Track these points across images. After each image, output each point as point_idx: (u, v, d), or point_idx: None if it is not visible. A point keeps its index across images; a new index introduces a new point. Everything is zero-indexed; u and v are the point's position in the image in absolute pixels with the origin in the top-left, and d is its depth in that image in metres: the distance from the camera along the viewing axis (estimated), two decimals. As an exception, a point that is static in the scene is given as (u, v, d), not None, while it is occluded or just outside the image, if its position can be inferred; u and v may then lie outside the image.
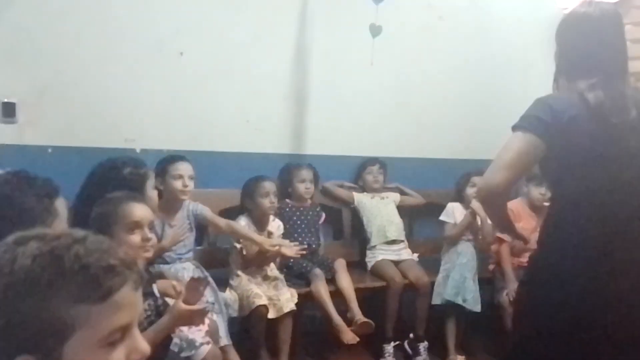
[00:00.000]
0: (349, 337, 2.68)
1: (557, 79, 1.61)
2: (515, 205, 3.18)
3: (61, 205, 1.42)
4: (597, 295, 1.45)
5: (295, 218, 3.00)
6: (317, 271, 2.84)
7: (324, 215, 3.13)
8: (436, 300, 3.04)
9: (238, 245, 2.74)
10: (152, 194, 2.19)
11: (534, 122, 1.44)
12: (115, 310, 0.73)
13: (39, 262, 0.70)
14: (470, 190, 3.13)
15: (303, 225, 3.02)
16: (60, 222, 1.41)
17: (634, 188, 1.46)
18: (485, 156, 3.55)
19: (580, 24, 1.54)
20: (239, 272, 2.74)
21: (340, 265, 2.95)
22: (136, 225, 1.73)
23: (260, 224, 2.81)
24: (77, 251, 0.72)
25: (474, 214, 3.02)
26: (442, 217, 3.18)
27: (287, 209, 3.00)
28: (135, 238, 1.72)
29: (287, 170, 3.03)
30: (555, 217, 1.53)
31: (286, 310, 2.67)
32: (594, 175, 1.44)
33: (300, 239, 2.97)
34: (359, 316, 2.75)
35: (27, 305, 0.69)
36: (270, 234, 2.81)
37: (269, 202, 2.74)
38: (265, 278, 2.75)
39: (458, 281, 2.99)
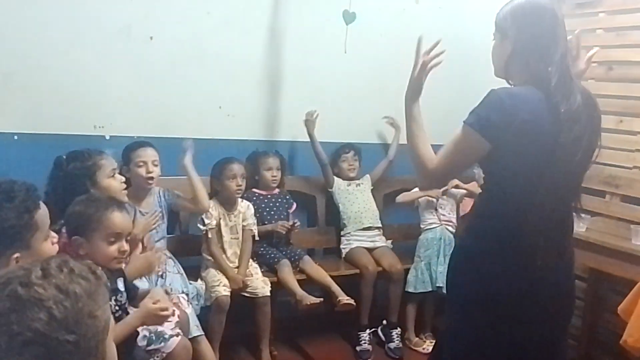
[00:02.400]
0: (311, 299, 2.71)
1: (510, 67, 1.59)
2: (474, 187, 3.25)
3: (41, 217, 1.39)
4: (532, 288, 1.53)
5: (263, 206, 2.97)
6: (285, 261, 2.86)
7: (294, 204, 3.11)
8: (411, 287, 3.07)
9: (202, 227, 2.73)
10: (108, 183, 2.13)
11: (484, 124, 1.45)
12: None
13: (84, 283, 0.81)
14: None
15: (272, 212, 2.99)
16: (41, 233, 1.38)
17: (575, 176, 1.51)
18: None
19: (539, 12, 1.55)
20: (209, 263, 2.75)
21: (305, 262, 2.96)
22: (117, 237, 1.71)
23: (228, 205, 2.79)
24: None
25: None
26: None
27: (254, 198, 2.97)
28: (113, 249, 1.71)
29: (254, 157, 2.99)
30: (493, 208, 1.55)
31: (260, 295, 2.69)
32: (537, 168, 1.45)
33: (267, 237, 2.96)
34: (341, 296, 2.79)
35: (88, 317, 0.78)
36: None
37: (235, 184, 2.72)
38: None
39: (430, 268, 3.04)
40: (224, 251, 2.78)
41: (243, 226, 2.81)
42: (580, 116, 1.46)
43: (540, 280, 1.53)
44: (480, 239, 1.58)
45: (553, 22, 1.53)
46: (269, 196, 3.02)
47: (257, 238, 2.87)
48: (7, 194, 1.34)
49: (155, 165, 2.54)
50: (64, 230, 1.85)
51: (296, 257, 2.95)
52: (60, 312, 0.74)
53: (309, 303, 2.70)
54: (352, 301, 2.80)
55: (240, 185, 2.74)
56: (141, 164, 2.50)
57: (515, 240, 1.51)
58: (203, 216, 2.73)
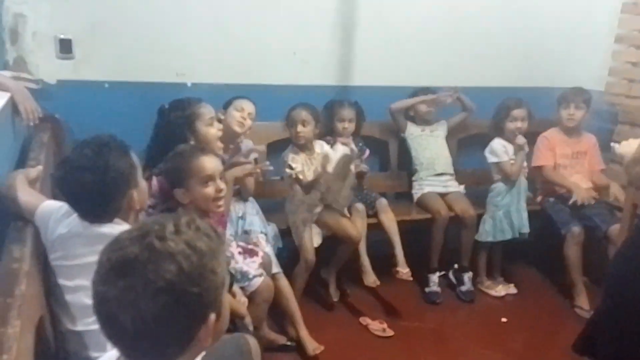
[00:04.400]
0: (370, 280, 2.77)
1: None
2: (550, 134, 3.23)
3: (135, 157, 1.54)
4: None
5: None
6: (360, 206, 2.90)
7: (367, 150, 3.12)
8: (489, 237, 3.09)
9: (289, 171, 2.73)
10: (206, 131, 2.26)
11: None
12: None
13: (207, 240, 0.89)
14: (510, 125, 3.09)
15: None
16: (139, 172, 1.56)
17: None
18: (538, 84, 3.51)
19: None
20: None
21: (382, 205, 2.98)
22: (209, 178, 1.85)
23: (306, 150, 2.81)
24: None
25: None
26: (493, 159, 3.11)
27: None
28: (210, 190, 1.85)
29: (330, 106, 2.99)
30: None
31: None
32: None
33: None
34: (400, 266, 2.84)
35: (210, 273, 0.87)
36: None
37: (294, 131, 2.75)
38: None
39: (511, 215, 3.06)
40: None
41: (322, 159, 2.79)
42: None
43: None
44: None
45: None
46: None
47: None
48: (106, 146, 1.47)
49: (250, 118, 2.66)
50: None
51: (372, 200, 3.00)
52: (188, 265, 0.84)
53: (366, 284, 2.78)
54: (409, 276, 2.83)
55: (300, 132, 2.73)
56: (240, 109, 2.64)
57: None
58: (289, 161, 2.74)
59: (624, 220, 2.74)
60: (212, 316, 0.87)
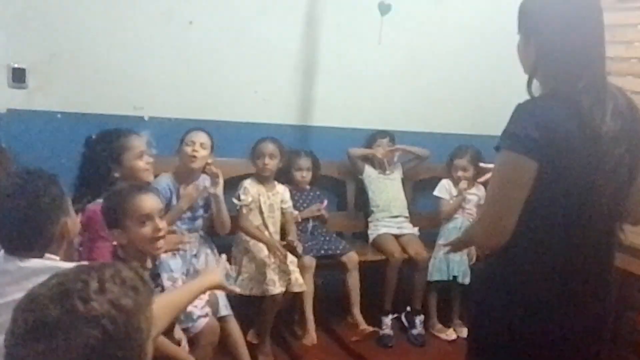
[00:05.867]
0: (308, 340, 2.73)
1: (531, 82, 1.38)
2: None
3: (61, 186, 1.50)
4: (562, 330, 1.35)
5: (294, 202, 3.01)
6: (308, 260, 2.82)
7: (326, 200, 3.13)
8: (429, 276, 3.12)
9: (237, 202, 2.76)
10: (134, 163, 2.15)
11: (526, 142, 1.23)
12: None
13: (134, 294, 0.86)
14: (454, 173, 3.22)
15: (302, 209, 3.04)
16: (69, 201, 1.52)
17: (611, 204, 1.29)
18: (493, 132, 3.56)
19: (564, 12, 1.29)
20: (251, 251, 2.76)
21: (351, 261, 2.94)
22: (147, 218, 1.73)
23: (265, 184, 2.87)
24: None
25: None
26: (436, 193, 3.25)
27: None
28: (147, 230, 1.72)
29: (286, 156, 3.00)
30: (529, 231, 1.30)
31: (297, 290, 2.73)
32: (578, 194, 1.27)
33: (302, 224, 3.03)
34: (363, 326, 2.85)
35: (136, 331, 0.84)
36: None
37: (261, 163, 2.81)
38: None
39: (448, 258, 3.08)
40: (266, 227, 2.83)
41: (283, 208, 2.90)
42: (619, 140, 1.26)
43: (572, 321, 1.34)
44: (510, 266, 1.35)
45: (581, 26, 1.29)
46: (298, 193, 3.06)
47: (299, 219, 2.98)
48: (35, 173, 1.44)
49: (203, 148, 2.62)
50: (89, 205, 1.97)
51: (339, 250, 2.96)
52: (113, 328, 0.80)
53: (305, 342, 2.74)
54: (372, 329, 2.87)
55: (266, 164, 2.80)
56: (190, 143, 2.61)
57: (549, 272, 1.32)
58: (240, 191, 2.80)
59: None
60: None
